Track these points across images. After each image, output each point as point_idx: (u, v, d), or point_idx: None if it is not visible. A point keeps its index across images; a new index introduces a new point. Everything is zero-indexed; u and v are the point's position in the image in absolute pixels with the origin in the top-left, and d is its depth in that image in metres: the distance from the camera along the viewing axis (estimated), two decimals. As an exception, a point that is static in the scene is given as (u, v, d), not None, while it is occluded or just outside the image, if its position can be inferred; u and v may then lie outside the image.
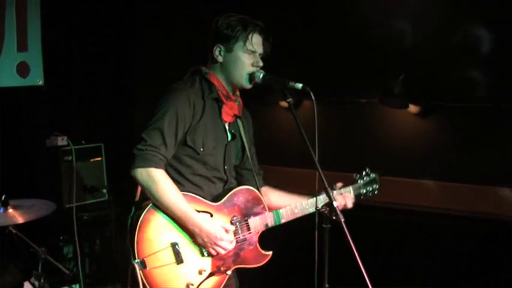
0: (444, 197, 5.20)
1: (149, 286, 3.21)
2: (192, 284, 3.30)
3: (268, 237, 3.63)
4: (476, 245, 4.99)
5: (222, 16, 3.49)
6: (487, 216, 4.96)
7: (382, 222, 5.13)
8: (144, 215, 3.27)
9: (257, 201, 3.59)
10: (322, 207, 3.08)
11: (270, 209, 3.60)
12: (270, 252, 3.60)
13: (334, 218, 3.03)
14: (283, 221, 3.59)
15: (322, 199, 3.39)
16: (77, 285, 5.28)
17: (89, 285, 5.74)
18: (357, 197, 3.84)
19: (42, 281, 4.24)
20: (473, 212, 5.04)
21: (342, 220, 3.00)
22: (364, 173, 3.90)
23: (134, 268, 3.19)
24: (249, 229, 3.51)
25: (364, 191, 3.87)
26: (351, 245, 2.90)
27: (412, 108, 5.32)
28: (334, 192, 3.71)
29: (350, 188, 3.82)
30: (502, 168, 4.98)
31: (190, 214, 3.30)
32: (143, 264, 3.20)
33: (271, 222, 3.57)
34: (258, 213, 3.56)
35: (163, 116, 3.31)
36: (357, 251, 2.88)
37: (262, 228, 3.56)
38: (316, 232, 3.21)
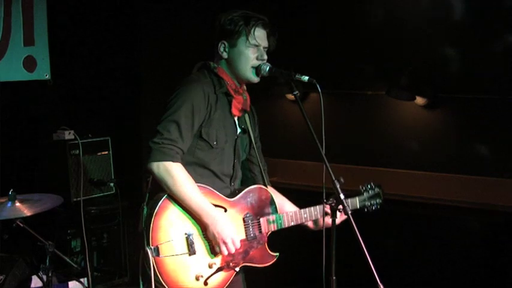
0: (451, 189, 5.19)
1: (159, 273, 3.21)
2: (202, 276, 3.31)
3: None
4: (485, 237, 4.98)
5: (225, 12, 3.49)
6: (495, 208, 4.95)
7: (388, 214, 5.12)
8: (162, 202, 3.27)
9: (270, 201, 3.60)
10: (329, 199, 3.07)
11: (281, 212, 3.60)
12: (277, 254, 3.59)
13: (341, 210, 3.03)
14: (286, 225, 3.57)
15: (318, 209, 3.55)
16: (85, 279, 5.28)
17: (97, 279, 5.76)
18: (362, 209, 3.83)
19: (50, 274, 4.24)
20: (481, 203, 5.03)
21: (349, 212, 3.01)
22: (369, 186, 3.88)
23: (146, 254, 3.19)
24: (259, 228, 3.51)
25: (369, 203, 3.85)
26: (358, 237, 2.90)
27: (419, 100, 5.31)
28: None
29: (356, 199, 3.81)
30: (510, 160, 4.96)
31: (206, 209, 3.30)
32: (156, 251, 3.20)
33: (274, 227, 3.55)
34: (269, 214, 3.56)
35: (179, 108, 3.30)
36: (364, 244, 2.88)
37: (270, 229, 3.55)
38: (323, 224, 3.23)
